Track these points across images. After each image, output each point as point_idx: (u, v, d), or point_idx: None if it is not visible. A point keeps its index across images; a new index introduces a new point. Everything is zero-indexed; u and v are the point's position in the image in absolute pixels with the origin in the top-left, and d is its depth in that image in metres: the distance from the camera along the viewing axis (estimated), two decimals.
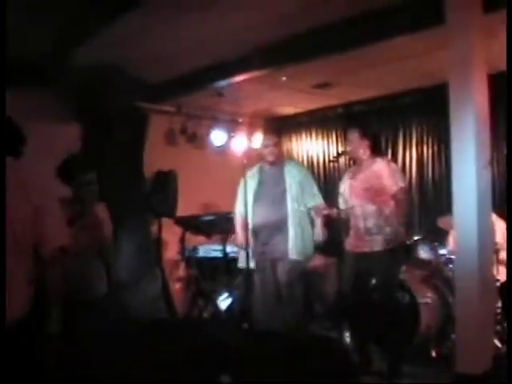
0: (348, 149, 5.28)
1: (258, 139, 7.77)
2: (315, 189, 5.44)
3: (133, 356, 3.26)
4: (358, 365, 4.73)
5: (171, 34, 5.05)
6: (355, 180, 5.16)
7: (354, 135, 5.16)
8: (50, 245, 2.95)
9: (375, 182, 5.02)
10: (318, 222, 5.32)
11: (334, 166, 8.00)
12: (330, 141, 8.23)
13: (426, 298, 5.07)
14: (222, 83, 6.31)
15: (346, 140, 5.30)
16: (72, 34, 5.06)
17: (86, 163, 4.35)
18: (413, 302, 4.97)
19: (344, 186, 5.27)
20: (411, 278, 5.29)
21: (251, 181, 5.42)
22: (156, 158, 6.70)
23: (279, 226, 5.26)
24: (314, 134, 8.45)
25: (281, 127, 8.06)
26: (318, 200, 5.38)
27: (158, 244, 6.15)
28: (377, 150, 5.28)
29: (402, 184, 5.01)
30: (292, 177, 5.35)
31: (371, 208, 4.98)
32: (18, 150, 3.09)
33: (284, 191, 5.30)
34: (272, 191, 5.37)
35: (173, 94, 6.89)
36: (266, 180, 5.46)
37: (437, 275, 5.39)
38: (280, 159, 5.51)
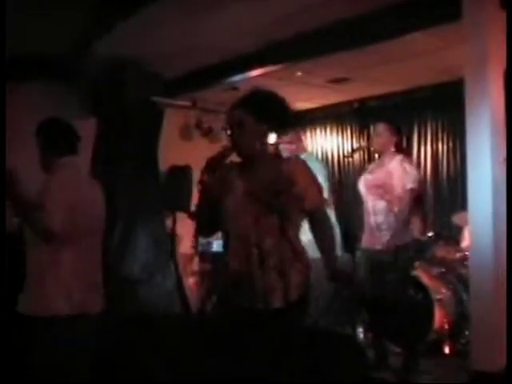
0: (374, 142, 5.11)
1: (273, 135, 7.78)
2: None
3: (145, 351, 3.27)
4: (372, 361, 4.73)
5: (187, 29, 5.06)
6: (371, 175, 5.07)
7: (385, 129, 4.99)
8: None
9: (386, 180, 4.93)
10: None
11: (348, 162, 7.97)
12: (345, 136, 8.18)
13: (441, 294, 5.06)
14: (238, 78, 6.31)
15: (374, 132, 5.10)
16: (90, 29, 5.08)
17: None
18: (427, 298, 4.96)
19: (360, 181, 5.18)
20: (426, 275, 5.28)
21: None
22: (171, 152, 6.71)
23: None
24: (328, 130, 8.40)
25: (296, 122, 8.01)
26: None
27: (173, 238, 6.16)
28: (401, 147, 5.18)
29: (410, 185, 4.81)
30: None
31: (381, 205, 4.93)
32: (74, 147, 3.16)
33: None
34: None
35: (188, 89, 6.90)
36: None
37: (451, 272, 5.36)
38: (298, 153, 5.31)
